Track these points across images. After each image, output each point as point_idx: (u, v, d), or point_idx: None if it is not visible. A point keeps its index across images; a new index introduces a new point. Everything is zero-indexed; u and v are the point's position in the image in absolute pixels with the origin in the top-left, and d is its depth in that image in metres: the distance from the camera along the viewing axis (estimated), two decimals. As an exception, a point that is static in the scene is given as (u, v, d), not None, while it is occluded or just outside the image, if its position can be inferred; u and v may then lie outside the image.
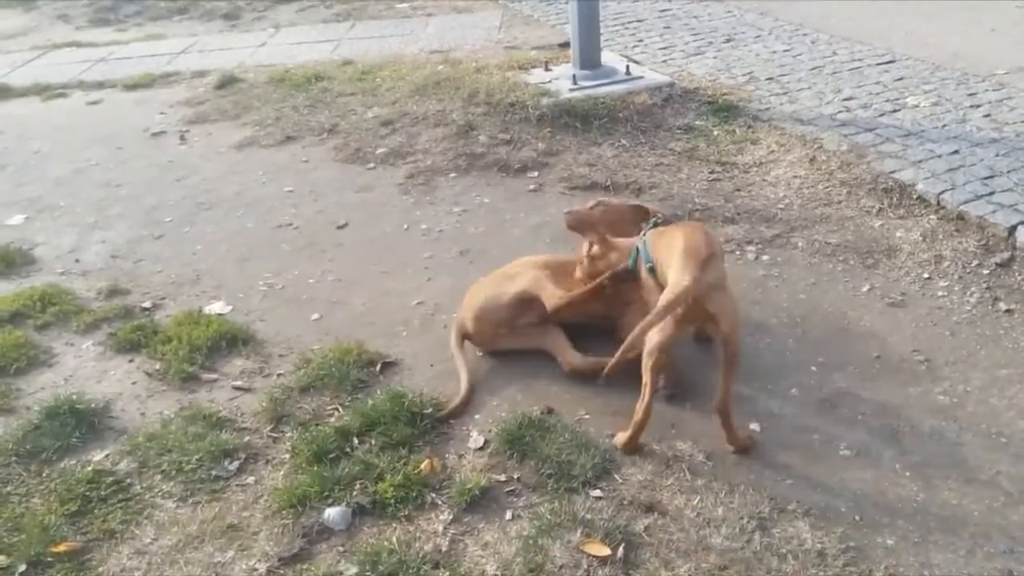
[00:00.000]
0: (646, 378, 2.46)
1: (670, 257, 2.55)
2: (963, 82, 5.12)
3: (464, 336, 3.01)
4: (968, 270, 3.36)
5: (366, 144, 4.95)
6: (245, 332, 3.25)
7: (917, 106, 4.81)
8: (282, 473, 2.55)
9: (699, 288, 2.38)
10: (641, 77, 5.37)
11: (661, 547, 2.21)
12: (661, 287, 2.58)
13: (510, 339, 3.00)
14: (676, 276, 2.44)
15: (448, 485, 2.45)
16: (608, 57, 5.64)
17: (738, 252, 3.61)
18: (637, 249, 2.81)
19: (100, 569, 2.27)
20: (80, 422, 2.78)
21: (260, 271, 3.75)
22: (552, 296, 2.90)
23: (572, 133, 4.83)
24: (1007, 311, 3.13)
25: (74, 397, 2.88)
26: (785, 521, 2.28)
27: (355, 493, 2.42)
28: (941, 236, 3.57)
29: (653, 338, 2.44)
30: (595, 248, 2.96)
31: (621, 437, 2.57)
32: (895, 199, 3.88)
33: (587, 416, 2.71)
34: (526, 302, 2.96)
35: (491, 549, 2.25)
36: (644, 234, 2.84)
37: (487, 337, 3.00)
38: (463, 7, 8.04)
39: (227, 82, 6.19)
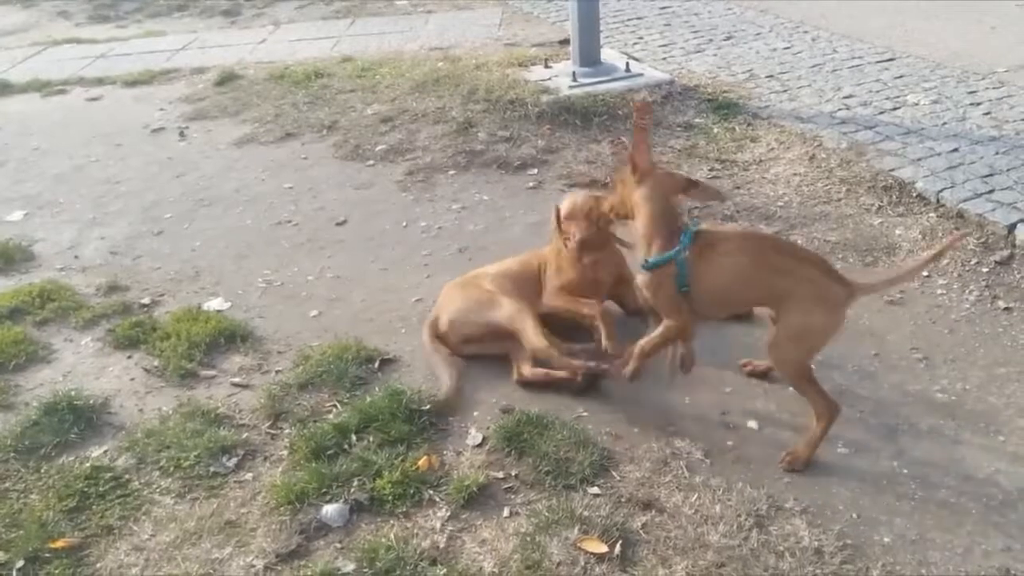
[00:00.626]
0: (812, 396, 2.43)
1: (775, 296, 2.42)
2: (963, 80, 5.11)
3: (436, 335, 3.02)
4: (967, 268, 3.36)
5: (365, 141, 4.95)
6: (244, 329, 3.25)
7: (917, 104, 4.81)
8: (280, 470, 2.55)
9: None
10: (641, 74, 5.36)
11: (659, 544, 2.21)
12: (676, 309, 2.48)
13: (475, 347, 2.98)
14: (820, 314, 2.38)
15: (446, 482, 2.45)
16: (608, 54, 5.63)
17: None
18: (683, 251, 2.42)
19: (98, 565, 2.27)
20: (78, 418, 2.78)
21: (259, 268, 3.75)
22: (533, 336, 2.80)
23: (572, 130, 4.83)
24: (1006, 309, 3.13)
25: (73, 393, 2.88)
26: (782, 519, 2.28)
27: (353, 490, 2.42)
28: (940, 234, 3.56)
29: (795, 351, 2.41)
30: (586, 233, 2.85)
31: (801, 452, 2.46)
32: (894, 197, 3.88)
33: (585, 414, 2.71)
34: (502, 332, 2.89)
35: (489, 546, 2.25)
36: (685, 243, 2.43)
37: (453, 344, 2.99)
38: (463, 4, 8.03)
39: (227, 79, 6.19)
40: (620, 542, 2.21)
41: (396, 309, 3.35)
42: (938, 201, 3.77)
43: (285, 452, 2.62)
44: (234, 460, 2.60)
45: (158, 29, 8.16)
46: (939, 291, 3.26)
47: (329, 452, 2.56)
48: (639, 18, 6.90)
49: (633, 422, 2.67)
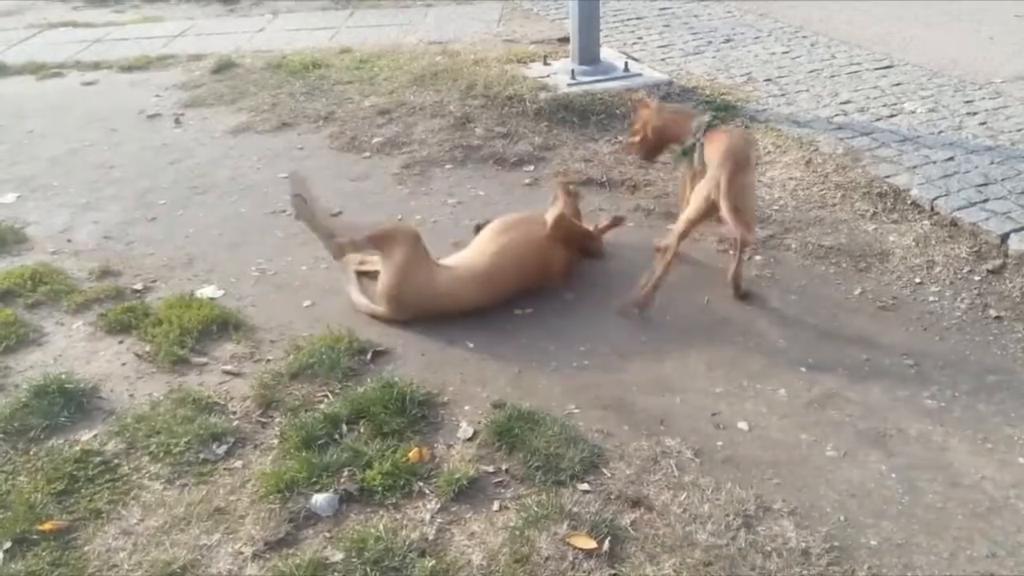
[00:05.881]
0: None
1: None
2: (960, 89, 5.14)
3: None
4: (960, 276, 3.38)
5: (362, 133, 4.94)
6: (236, 317, 3.24)
7: (914, 112, 4.83)
8: (270, 458, 2.55)
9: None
10: (640, 74, 5.37)
11: (647, 542, 2.22)
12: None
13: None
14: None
15: (436, 474, 2.45)
16: (607, 53, 5.63)
17: (731, 252, 3.62)
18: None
19: (85, 548, 2.26)
20: (69, 401, 2.77)
21: (253, 256, 3.74)
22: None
23: (569, 128, 4.83)
24: (997, 318, 3.15)
25: (63, 376, 2.87)
26: (770, 519, 2.29)
27: (343, 480, 2.42)
28: (934, 242, 3.59)
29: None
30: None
31: None
32: (889, 203, 3.89)
33: (576, 410, 2.72)
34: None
35: (478, 539, 2.25)
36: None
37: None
38: (463, -1, 8.02)
39: (224, 66, 6.16)
40: (609, 538, 2.21)
41: (390, 301, 3.34)
42: (932, 209, 3.79)
43: (275, 441, 2.62)
44: (224, 448, 2.59)
45: (155, 15, 8.11)
46: (931, 298, 3.28)
47: (320, 442, 2.55)
48: (639, 18, 6.91)
49: (624, 420, 2.68)
